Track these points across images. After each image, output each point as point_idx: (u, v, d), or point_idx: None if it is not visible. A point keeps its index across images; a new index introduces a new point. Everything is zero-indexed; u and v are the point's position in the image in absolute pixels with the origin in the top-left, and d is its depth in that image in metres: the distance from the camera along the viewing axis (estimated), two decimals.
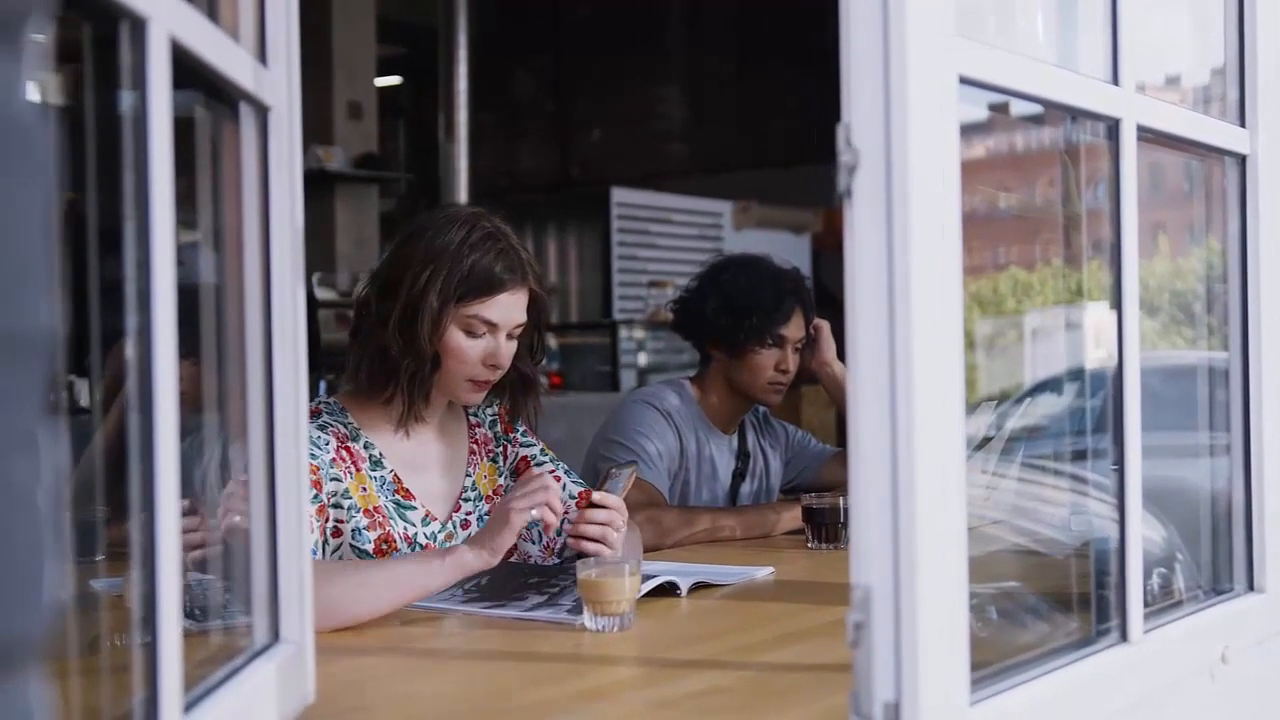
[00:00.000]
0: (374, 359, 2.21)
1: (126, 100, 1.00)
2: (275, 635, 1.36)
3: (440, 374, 2.23)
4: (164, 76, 1.01)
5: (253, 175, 1.35)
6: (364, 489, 2.19)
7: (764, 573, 2.35)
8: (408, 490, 2.25)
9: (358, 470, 2.20)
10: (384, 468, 2.23)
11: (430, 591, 1.99)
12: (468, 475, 2.35)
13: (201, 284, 1.31)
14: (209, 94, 1.26)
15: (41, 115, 0.57)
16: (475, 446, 2.39)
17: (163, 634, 1.00)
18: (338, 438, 2.19)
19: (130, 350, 1.00)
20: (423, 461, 2.30)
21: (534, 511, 1.99)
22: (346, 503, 2.15)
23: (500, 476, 2.40)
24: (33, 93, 0.57)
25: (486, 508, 2.35)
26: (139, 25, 0.99)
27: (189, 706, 1.08)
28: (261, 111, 1.34)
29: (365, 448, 2.23)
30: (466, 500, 2.34)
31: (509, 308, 2.22)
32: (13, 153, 0.55)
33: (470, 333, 2.20)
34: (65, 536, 0.60)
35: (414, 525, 2.23)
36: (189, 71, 1.10)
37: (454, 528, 2.29)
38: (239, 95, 1.29)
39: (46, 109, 0.58)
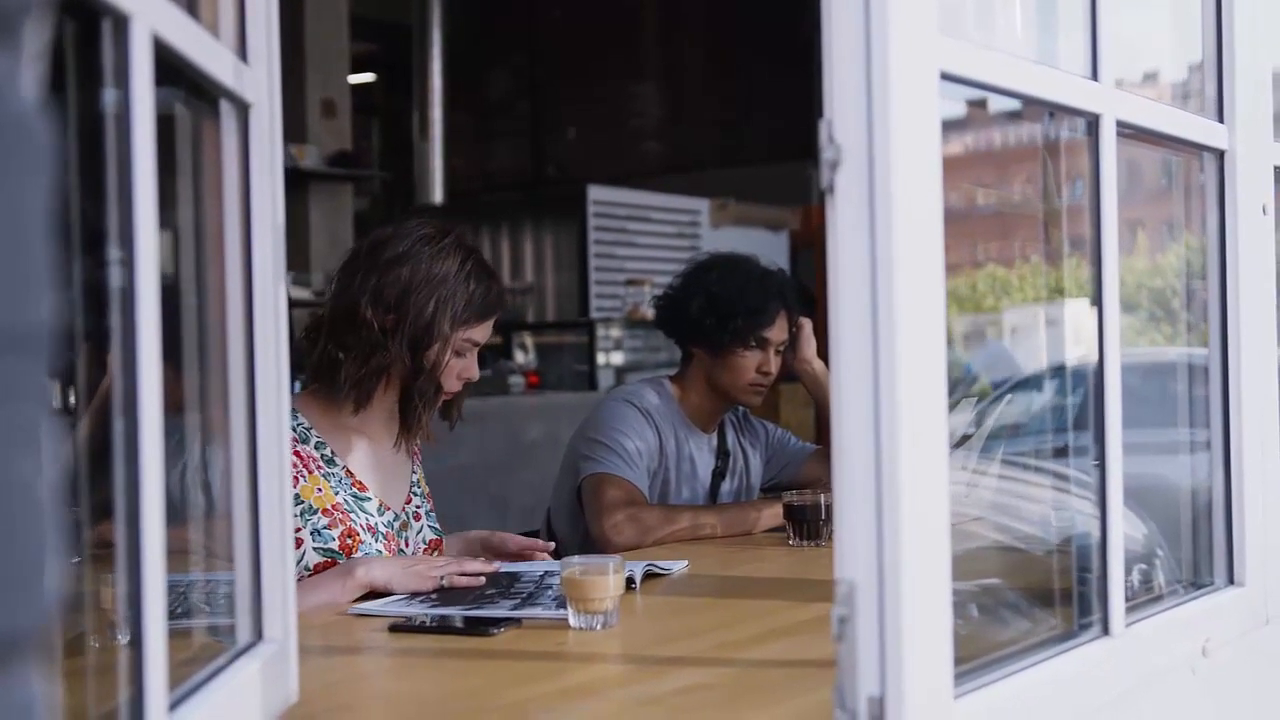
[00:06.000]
0: (374, 375, 2.26)
1: (108, 97, 0.99)
2: (258, 634, 1.36)
3: None
4: (147, 73, 1.00)
5: (233, 173, 1.34)
6: (319, 489, 2.24)
7: (679, 566, 2.36)
8: (361, 483, 2.31)
9: (310, 472, 2.24)
10: (337, 465, 2.29)
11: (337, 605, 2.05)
12: (413, 472, 2.45)
13: (180, 283, 1.30)
14: (189, 91, 1.26)
15: (41, 111, 0.57)
16: (415, 448, 2.47)
17: (148, 635, 1.00)
18: None
19: (114, 350, 1.00)
20: (374, 459, 2.36)
21: (444, 580, 2.11)
22: (299, 507, 2.19)
23: (425, 484, 2.52)
24: (31, 89, 0.57)
25: (429, 505, 2.47)
26: (121, 22, 0.98)
27: (173, 705, 1.07)
28: (243, 109, 1.33)
29: (316, 448, 2.28)
30: (415, 495, 2.44)
31: (490, 328, 2.35)
32: (14, 149, 0.55)
33: (459, 354, 2.30)
34: (66, 530, 0.61)
35: (372, 516, 2.30)
36: (168, 68, 1.10)
37: (407, 517, 2.39)
38: (220, 93, 1.28)
39: (45, 105, 0.58)
